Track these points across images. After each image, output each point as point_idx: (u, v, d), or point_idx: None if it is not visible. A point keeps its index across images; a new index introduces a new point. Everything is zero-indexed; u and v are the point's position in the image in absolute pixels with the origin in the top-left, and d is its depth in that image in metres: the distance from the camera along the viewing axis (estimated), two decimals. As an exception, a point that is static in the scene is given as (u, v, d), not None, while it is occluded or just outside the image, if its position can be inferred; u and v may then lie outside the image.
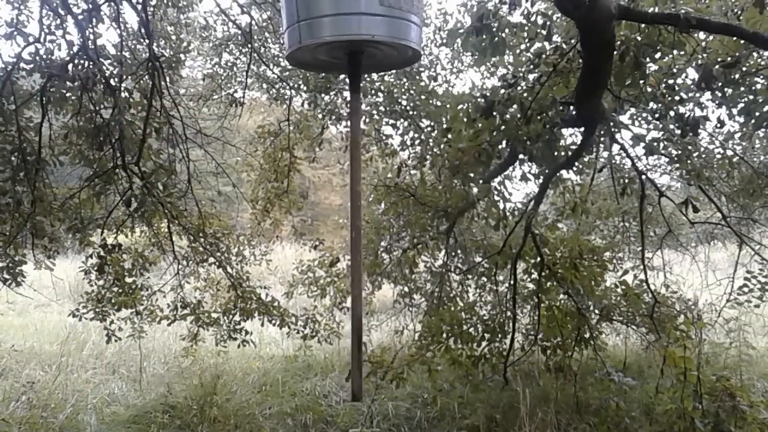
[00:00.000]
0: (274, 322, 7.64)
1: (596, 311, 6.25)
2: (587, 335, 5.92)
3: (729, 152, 6.85)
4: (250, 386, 7.79)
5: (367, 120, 8.41)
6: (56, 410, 6.60)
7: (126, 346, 8.44)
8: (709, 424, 4.41)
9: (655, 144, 5.14)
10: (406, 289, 8.28)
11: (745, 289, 7.29)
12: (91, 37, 5.32)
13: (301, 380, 8.09)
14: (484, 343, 6.10)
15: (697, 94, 4.69)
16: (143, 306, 7.16)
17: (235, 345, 7.66)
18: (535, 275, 6.01)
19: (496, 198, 5.35)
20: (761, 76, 4.92)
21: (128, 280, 6.75)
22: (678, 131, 4.51)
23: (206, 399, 6.70)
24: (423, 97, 7.92)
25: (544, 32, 4.68)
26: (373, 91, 8.25)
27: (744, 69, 4.85)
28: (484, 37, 4.31)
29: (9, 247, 5.89)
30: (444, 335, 5.79)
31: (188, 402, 6.79)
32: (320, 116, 8.61)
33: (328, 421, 6.59)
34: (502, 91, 4.61)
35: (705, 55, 4.71)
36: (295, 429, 6.37)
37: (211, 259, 7.10)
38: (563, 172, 5.59)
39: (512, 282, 6.04)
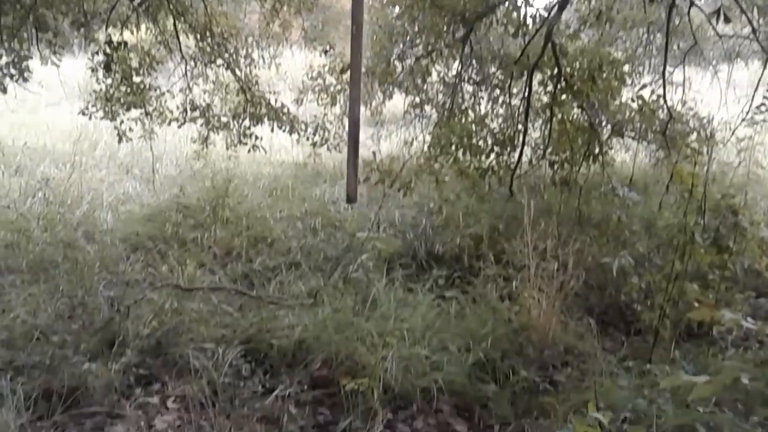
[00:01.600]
0: (283, 128, 7.63)
1: (609, 126, 6.17)
2: (597, 150, 5.90)
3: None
4: (261, 190, 7.95)
5: None
6: (73, 206, 6.78)
7: (138, 148, 8.52)
8: (708, 239, 4.49)
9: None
10: (417, 99, 8.16)
11: (763, 108, 7.13)
12: None
13: (311, 186, 8.23)
14: (492, 156, 6.12)
15: None
16: (153, 107, 7.13)
17: (246, 150, 7.72)
18: (550, 87, 5.87)
19: (518, 2, 5.09)
20: None
21: (136, 79, 6.66)
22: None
23: (218, 201, 6.84)
24: None
25: None
26: None
27: None
28: None
29: (13, 41, 5.75)
30: (453, 147, 5.79)
31: (201, 203, 6.95)
32: None
33: (336, 226, 6.76)
34: None
35: None
36: (305, 232, 6.55)
37: (219, 60, 6.95)
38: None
39: (527, 94, 5.91)
